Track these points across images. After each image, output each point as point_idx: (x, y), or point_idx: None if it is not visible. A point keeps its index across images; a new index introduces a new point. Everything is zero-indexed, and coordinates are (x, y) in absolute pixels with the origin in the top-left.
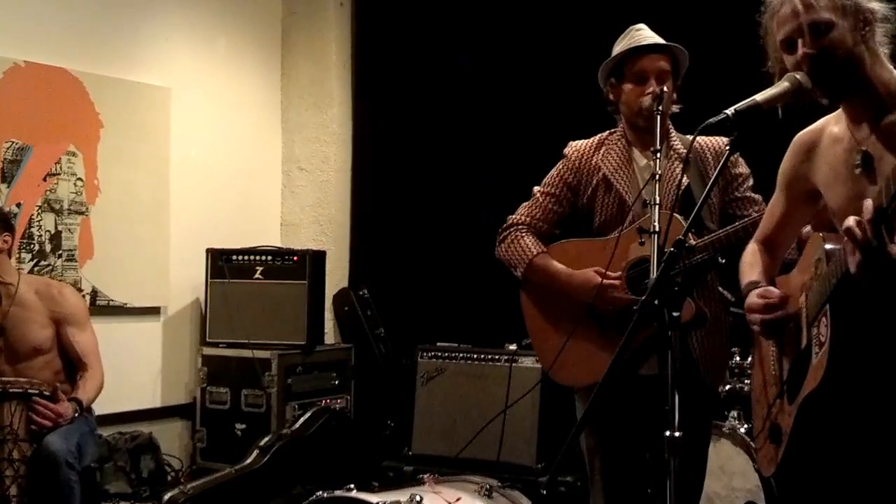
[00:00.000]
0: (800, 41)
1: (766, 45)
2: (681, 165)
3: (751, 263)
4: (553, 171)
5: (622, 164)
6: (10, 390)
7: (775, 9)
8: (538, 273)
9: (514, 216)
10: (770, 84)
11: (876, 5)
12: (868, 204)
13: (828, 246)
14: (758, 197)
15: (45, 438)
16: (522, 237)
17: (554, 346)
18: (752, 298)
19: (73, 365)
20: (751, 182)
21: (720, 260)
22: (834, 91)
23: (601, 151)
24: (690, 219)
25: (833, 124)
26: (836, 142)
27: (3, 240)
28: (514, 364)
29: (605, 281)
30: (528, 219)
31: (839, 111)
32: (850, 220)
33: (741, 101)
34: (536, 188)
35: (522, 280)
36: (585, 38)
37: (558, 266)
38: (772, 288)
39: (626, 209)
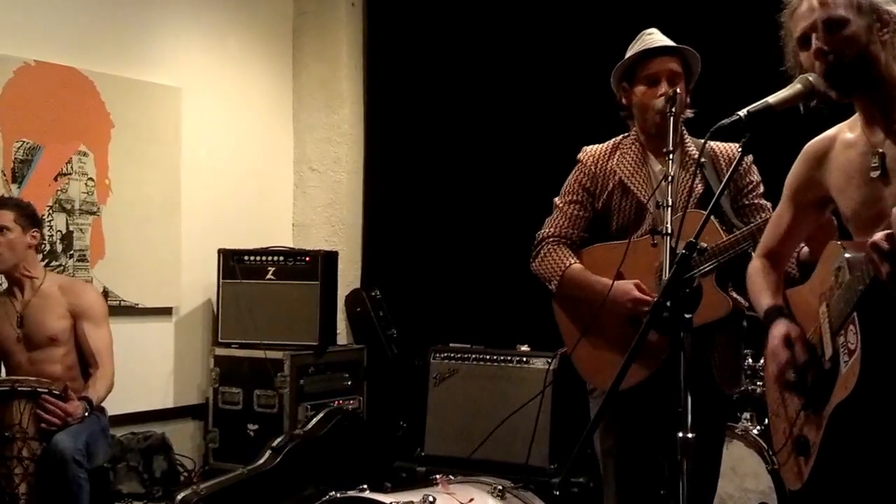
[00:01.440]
0: (813, 36)
1: (786, 45)
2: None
3: (761, 283)
4: (570, 179)
5: (638, 168)
6: (19, 388)
7: (794, 6)
8: (572, 285)
9: (542, 231)
10: (785, 85)
11: None
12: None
13: (848, 255)
14: (766, 204)
15: (54, 437)
16: (554, 250)
17: (590, 354)
18: (778, 344)
19: (87, 362)
20: (761, 190)
21: (751, 252)
22: (845, 88)
23: (616, 156)
24: (709, 209)
25: (846, 131)
26: (850, 146)
27: (32, 235)
28: (526, 365)
29: (640, 296)
30: (556, 230)
31: (852, 119)
32: (878, 236)
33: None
34: (556, 199)
35: (556, 292)
36: (598, 39)
37: (592, 277)
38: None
39: (643, 212)
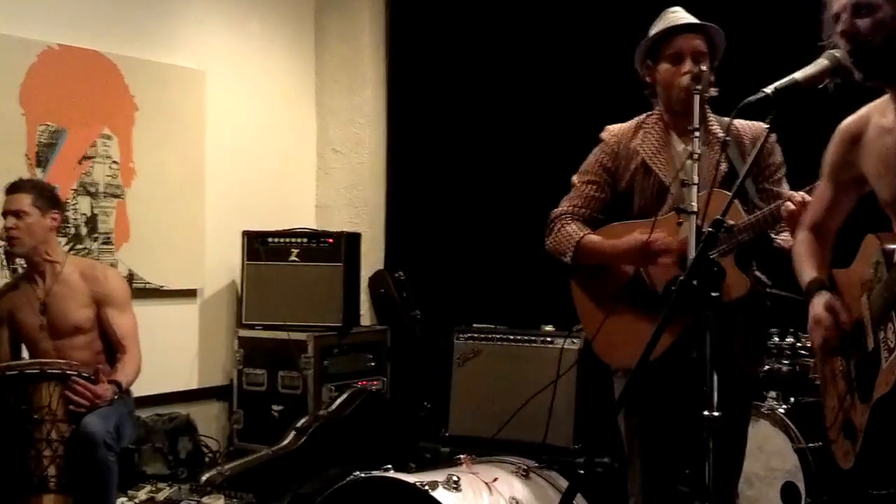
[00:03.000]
0: (843, 16)
1: (824, 18)
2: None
3: (807, 255)
4: (591, 158)
5: (660, 149)
6: (48, 371)
7: None
8: (586, 253)
9: (556, 209)
10: (812, 61)
11: None
12: None
13: (887, 246)
14: (784, 192)
15: (84, 419)
16: (567, 225)
17: (606, 330)
18: (821, 311)
19: (113, 348)
20: (782, 173)
21: (773, 235)
22: (869, 71)
23: (639, 135)
24: (734, 189)
25: (879, 114)
26: (886, 133)
27: (52, 217)
28: (550, 345)
29: (652, 238)
30: (570, 208)
31: (883, 102)
32: None
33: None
34: (575, 177)
35: (572, 266)
36: (621, 17)
37: (605, 241)
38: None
39: (665, 193)
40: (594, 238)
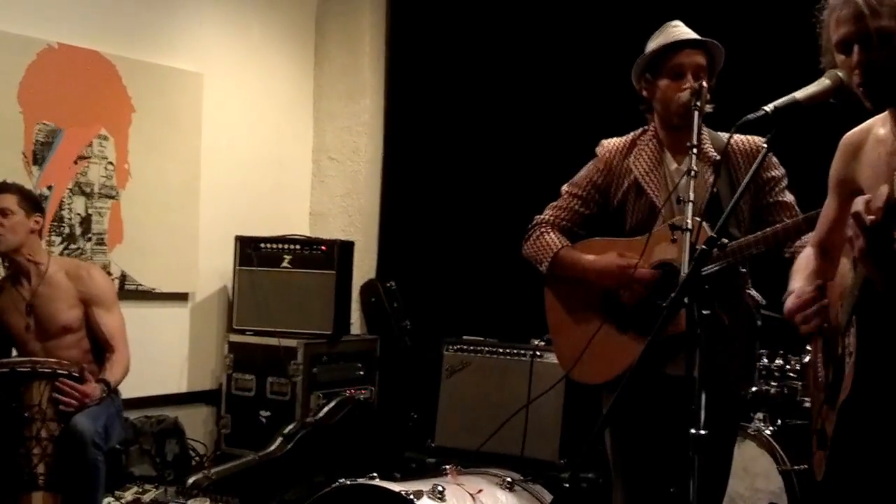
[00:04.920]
0: (856, 46)
1: (821, 41)
2: (710, 169)
3: (799, 270)
4: (582, 171)
5: (653, 168)
6: (40, 370)
7: (835, 6)
8: (562, 265)
9: (540, 216)
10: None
11: None
12: (883, 191)
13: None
14: (790, 200)
15: (73, 418)
16: (546, 234)
17: (571, 342)
18: (788, 304)
19: (101, 347)
20: (784, 183)
21: (741, 269)
22: (880, 100)
23: (633, 153)
24: (717, 227)
25: (879, 126)
26: (880, 144)
27: (35, 220)
28: (538, 359)
29: (628, 264)
30: (552, 218)
31: (886, 113)
32: (859, 203)
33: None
34: (565, 186)
35: (547, 276)
36: (619, 30)
37: (582, 255)
38: (805, 289)
39: (656, 213)
40: (572, 251)
